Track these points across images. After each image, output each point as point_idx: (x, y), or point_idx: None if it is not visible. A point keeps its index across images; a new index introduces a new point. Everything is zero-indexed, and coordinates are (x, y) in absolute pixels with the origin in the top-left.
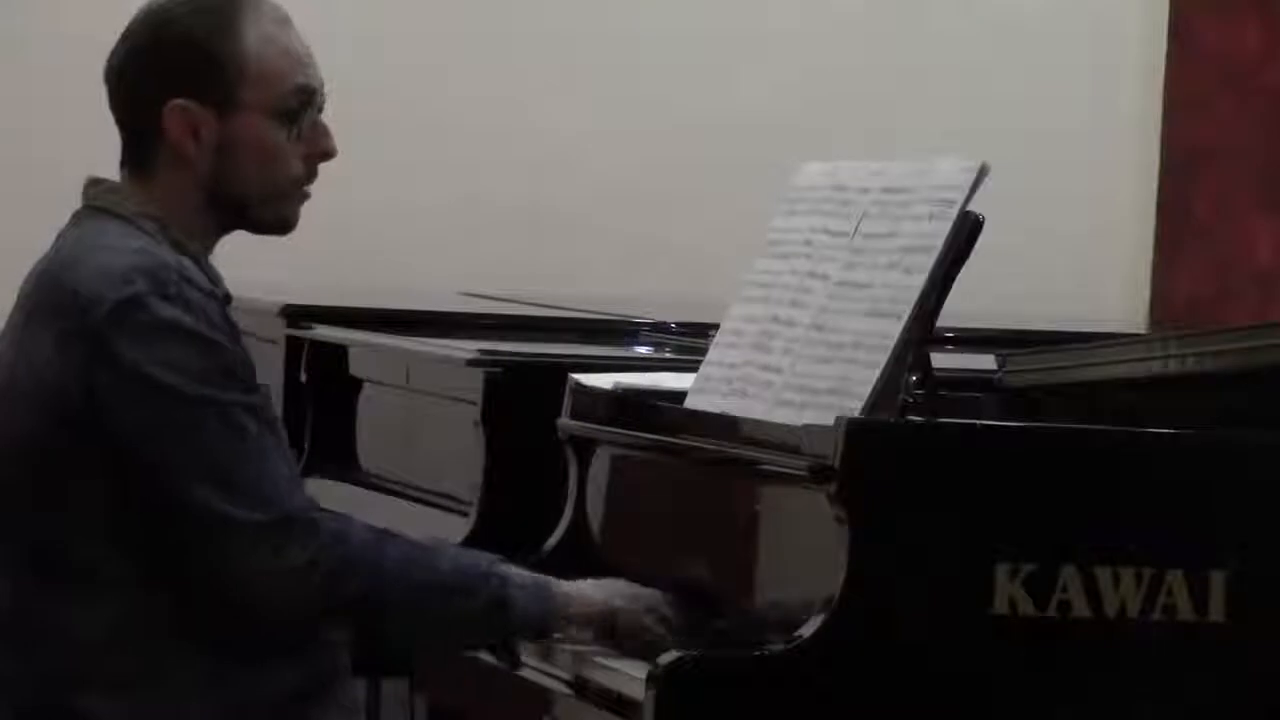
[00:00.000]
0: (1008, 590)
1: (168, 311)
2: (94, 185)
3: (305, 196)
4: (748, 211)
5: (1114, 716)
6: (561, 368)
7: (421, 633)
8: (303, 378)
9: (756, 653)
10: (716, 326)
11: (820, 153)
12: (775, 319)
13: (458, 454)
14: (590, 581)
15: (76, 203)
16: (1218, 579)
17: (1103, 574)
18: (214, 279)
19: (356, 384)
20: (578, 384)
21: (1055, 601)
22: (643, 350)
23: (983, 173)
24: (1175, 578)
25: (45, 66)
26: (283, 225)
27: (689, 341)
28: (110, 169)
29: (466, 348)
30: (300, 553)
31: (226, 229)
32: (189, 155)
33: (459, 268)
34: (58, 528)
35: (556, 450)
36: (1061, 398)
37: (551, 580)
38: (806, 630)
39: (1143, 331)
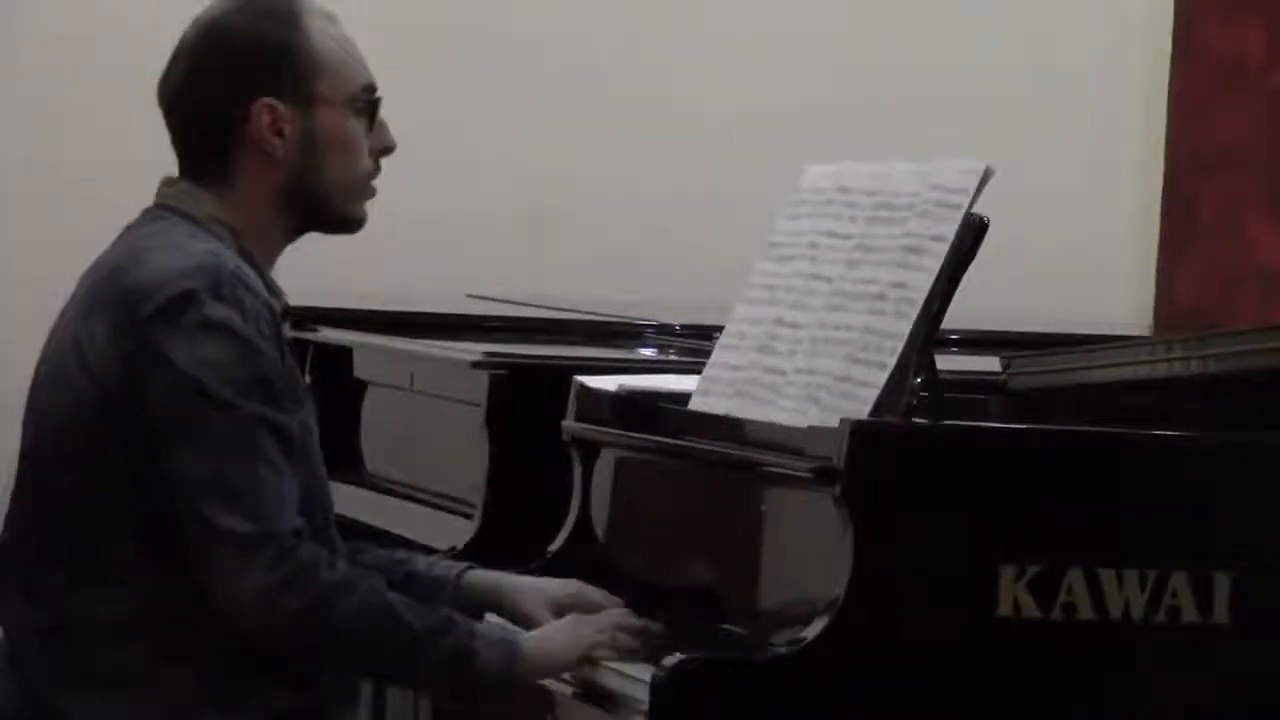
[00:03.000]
0: (1012, 592)
1: (219, 311)
2: (169, 185)
3: (373, 193)
4: (749, 212)
5: (1119, 718)
6: (566, 370)
7: (383, 673)
8: (307, 380)
9: (761, 655)
10: (721, 329)
11: (820, 153)
12: (780, 321)
13: (462, 456)
14: (553, 627)
15: (76, 204)
16: (1222, 581)
17: (1107, 576)
18: (274, 290)
19: (361, 386)
20: (582, 386)
21: (1060, 604)
22: (647, 352)
23: (987, 175)
24: (1179, 580)
25: (45, 66)
26: (356, 222)
27: (693, 344)
28: (110, 169)
29: (471, 350)
30: (267, 573)
31: (298, 232)
32: (274, 154)
33: (464, 270)
34: (78, 518)
35: (561, 452)
36: (1066, 400)
37: (518, 637)
38: (811, 632)
39: (1147, 334)
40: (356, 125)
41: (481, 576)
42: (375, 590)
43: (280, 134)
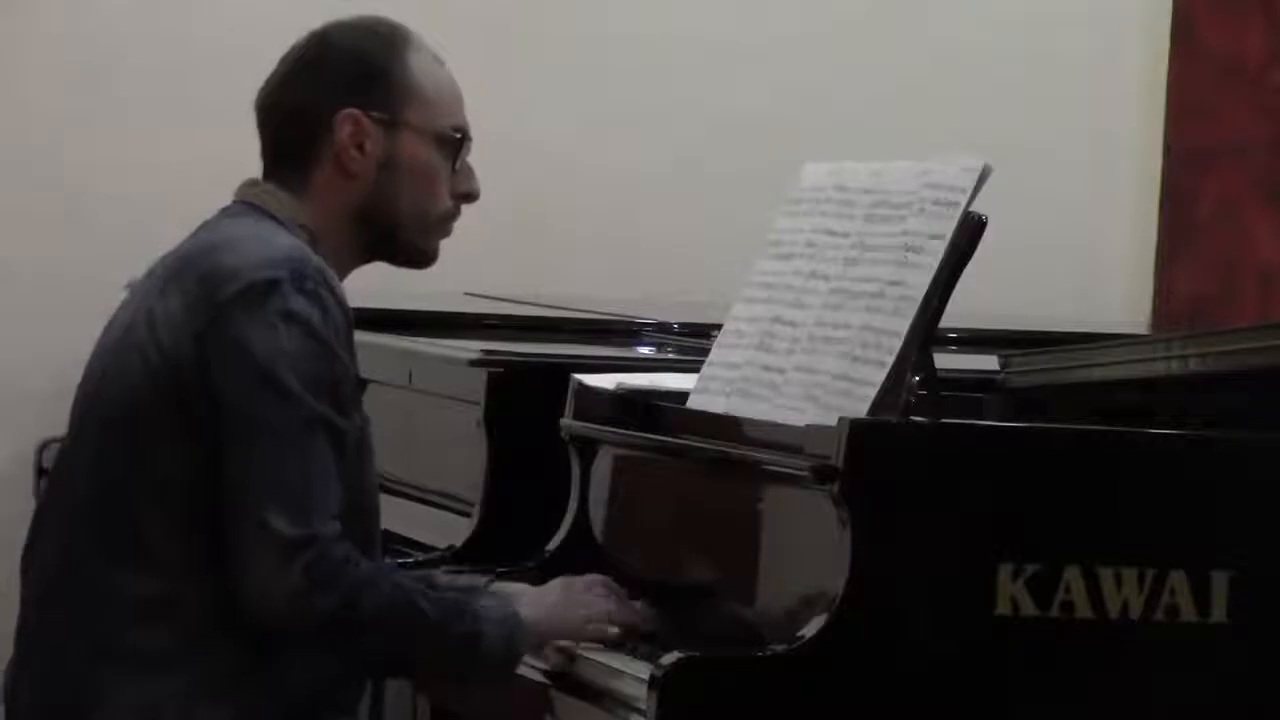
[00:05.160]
0: (1010, 591)
1: (300, 305)
2: (251, 186)
3: (448, 233)
4: (748, 211)
5: (1117, 717)
6: (564, 368)
7: (399, 664)
8: None
9: (759, 653)
10: (719, 327)
11: (820, 153)
12: (778, 319)
13: (460, 454)
14: (550, 595)
15: (77, 202)
16: (1220, 580)
17: (1105, 575)
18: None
19: (360, 384)
20: (580, 384)
21: (1058, 602)
22: (645, 351)
23: (985, 173)
24: (1178, 578)
25: (45, 66)
26: (425, 257)
27: (691, 342)
28: (111, 169)
29: (469, 348)
30: (302, 576)
31: (368, 255)
32: (352, 168)
33: (462, 268)
34: (128, 491)
35: (559, 450)
36: (1064, 398)
37: (519, 614)
38: (809, 631)
39: (1145, 331)
40: (439, 160)
41: (502, 587)
42: (399, 585)
43: (361, 148)
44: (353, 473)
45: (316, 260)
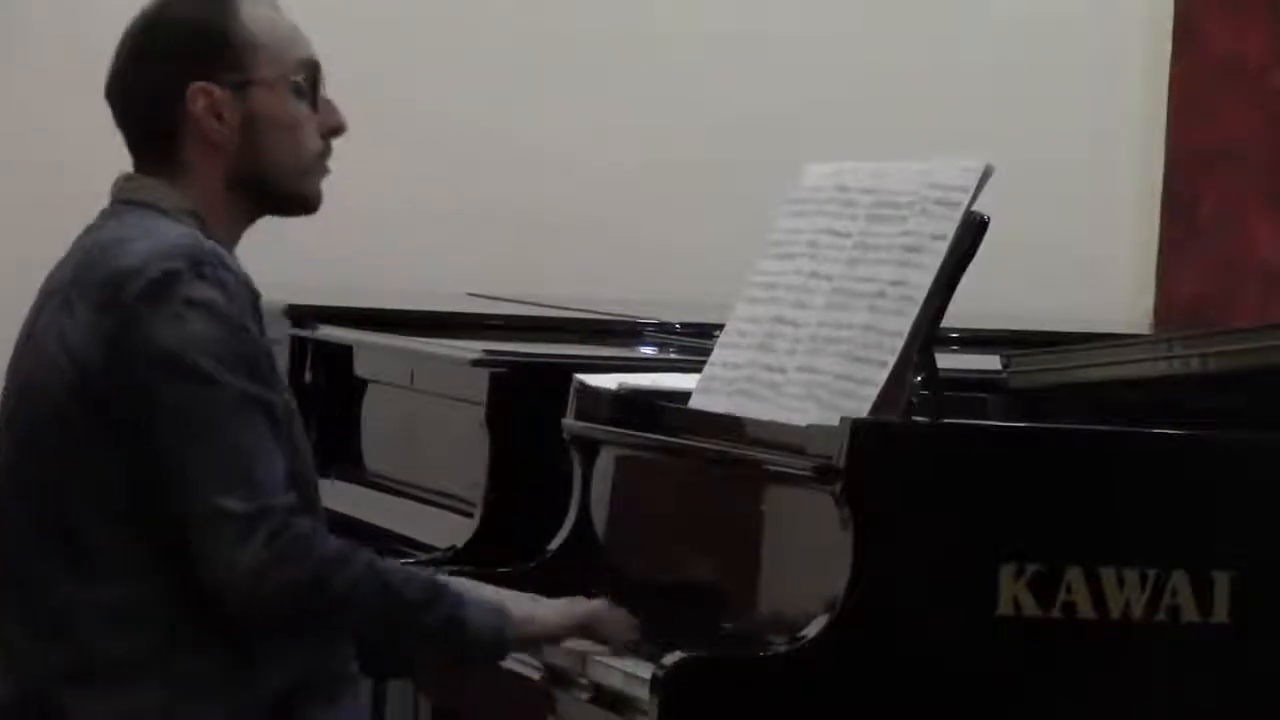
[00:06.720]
0: (1012, 591)
1: (202, 291)
2: (129, 181)
3: (326, 172)
4: (748, 211)
5: (1118, 718)
6: (566, 368)
7: (374, 642)
8: (307, 378)
9: (761, 653)
10: (721, 327)
11: (820, 153)
12: (780, 319)
13: (462, 454)
14: (547, 603)
15: (79, 203)
16: (1222, 580)
17: (1107, 575)
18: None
19: (361, 384)
20: (582, 384)
21: (1060, 602)
22: (647, 351)
23: (987, 173)
24: (1180, 579)
25: (45, 66)
26: (308, 203)
27: (693, 342)
28: (110, 169)
29: (471, 348)
30: (262, 550)
31: (254, 215)
32: (215, 139)
33: (464, 269)
34: (67, 504)
35: (561, 451)
36: (1066, 398)
37: (508, 603)
38: (811, 631)
39: (1147, 332)
40: (298, 105)
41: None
42: (369, 563)
43: (219, 118)
44: (286, 442)
45: (210, 245)
